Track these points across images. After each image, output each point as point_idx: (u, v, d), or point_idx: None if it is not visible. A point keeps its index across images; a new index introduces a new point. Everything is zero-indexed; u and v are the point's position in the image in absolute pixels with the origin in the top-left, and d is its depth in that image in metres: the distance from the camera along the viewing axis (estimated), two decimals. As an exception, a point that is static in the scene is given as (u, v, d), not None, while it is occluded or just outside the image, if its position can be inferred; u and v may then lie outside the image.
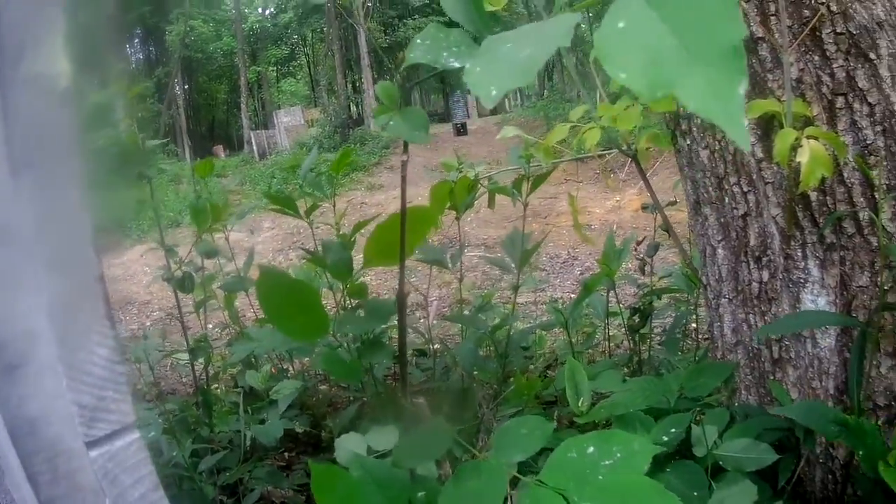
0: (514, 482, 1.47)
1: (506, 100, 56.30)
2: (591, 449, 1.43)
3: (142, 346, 3.71)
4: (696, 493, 1.91)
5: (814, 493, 2.22)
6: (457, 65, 1.07)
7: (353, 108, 45.51)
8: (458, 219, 3.09)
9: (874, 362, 2.09)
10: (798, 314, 2.22)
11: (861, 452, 1.81)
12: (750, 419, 2.20)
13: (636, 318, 3.43)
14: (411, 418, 1.74)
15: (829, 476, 2.20)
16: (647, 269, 3.57)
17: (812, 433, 2.09)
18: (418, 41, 1.12)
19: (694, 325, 3.86)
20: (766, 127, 2.13)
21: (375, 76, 41.58)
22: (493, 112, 47.29)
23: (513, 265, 3.21)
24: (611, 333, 3.91)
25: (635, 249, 3.56)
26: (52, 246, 0.68)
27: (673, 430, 2.07)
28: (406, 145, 1.45)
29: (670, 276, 3.61)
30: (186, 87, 56.09)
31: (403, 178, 1.46)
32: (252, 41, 54.51)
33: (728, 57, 0.67)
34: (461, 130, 33.73)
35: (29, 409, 0.73)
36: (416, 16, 47.81)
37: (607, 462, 1.40)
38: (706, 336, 3.31)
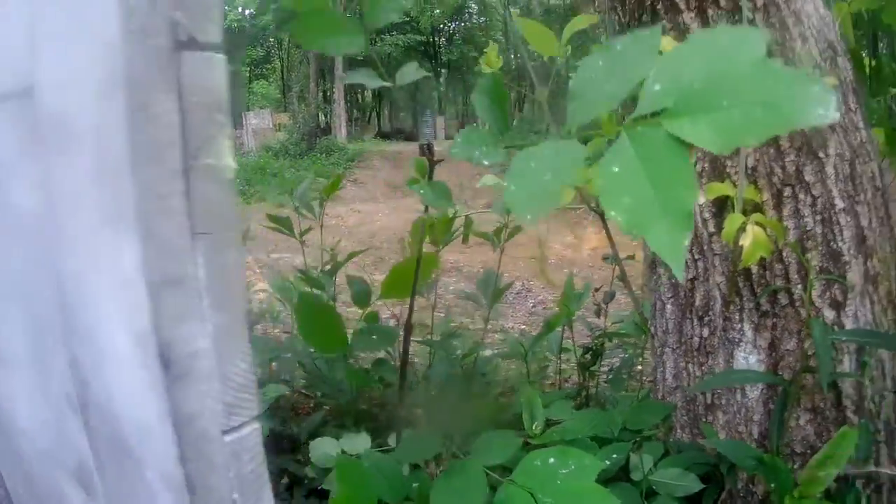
0: (491, 481, 1.84)
1: (475, 123, 56.00)
2: (552, 460, 1.79)
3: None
4: None
5: (734, 522, 2.54)
6: (485, 162, 1.40)
7: (322, 118, 45.26)
8: (437, 252, 3.37)
9: (794, 415, 2.47)
10: (731, 371, 2.57)
11: (773, 486, 2.15)
12: (682, 453, 2.54)
13: (588, 357, 3.75)
14: (408, 423, 2.11)
15: (748, 510, 2.54)
16: (603, 313, 3.90)
17: (734, 469, 2.45)
18: (458, 139, 1.46)
19: (639, 367, 4.13)
20: (721, 206, 2.49)
21: (346, 87, 41.47)
22: (461, 135, 46.85)
23: (484, 301, 3.54)
24: (562, 367, 4.20)
25: (593, 295, 3.89)
26: (215, 290, 0.94)
27: (615, 455, 2.40)
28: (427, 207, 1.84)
29: (622, 321, 3.93)
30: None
31: (420, 242, 1.83)
32: (230, 39, 54.07)
33: (683, 216, 0.97)
34: (427, 150, 33.66)
35: (189, 408, 0.95)
36: (395, 32, 47.84)
37: (564, 471, 1.76)
38: (650, 378, 3.59)
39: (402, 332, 2.29)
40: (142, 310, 0.90)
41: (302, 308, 2.06)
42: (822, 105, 0.92)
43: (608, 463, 2.36)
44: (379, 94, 59.50)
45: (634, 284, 3.23)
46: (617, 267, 3.26)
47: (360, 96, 59.73)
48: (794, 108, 0.95)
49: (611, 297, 3.78)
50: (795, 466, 2.42)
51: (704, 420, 2.67)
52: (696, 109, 1.02)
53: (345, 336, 2.09)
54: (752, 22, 2.44)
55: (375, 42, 48.81)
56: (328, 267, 3.83)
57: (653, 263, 2.88)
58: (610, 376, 3.98)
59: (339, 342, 2.16)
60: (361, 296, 3.17)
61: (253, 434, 1.05)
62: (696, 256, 2.63)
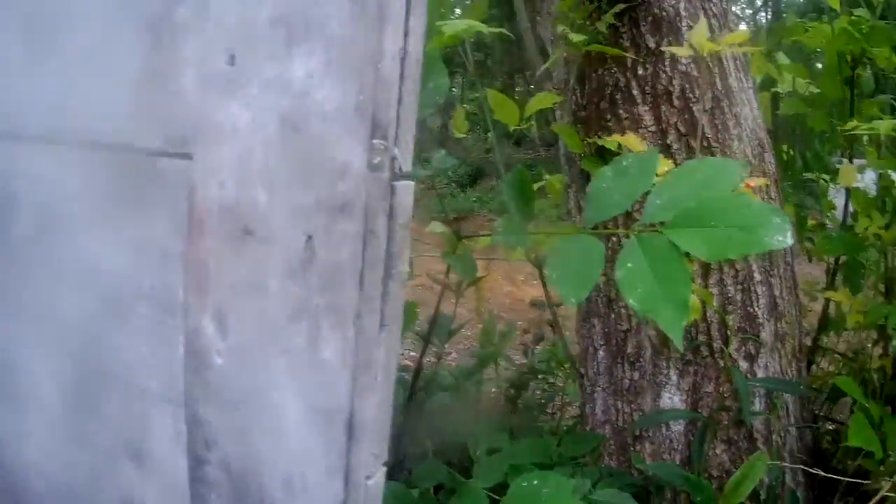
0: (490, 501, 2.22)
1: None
2: (535, 482, 2.14)
3: None
4: None
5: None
6: (518, 245, 1.81)
7: None
8: None
9: (712, 446, 2.87)
10: (661, 411, 2.95)
11: (699, 499, 2.50)
12: (614, 476, 2.82)
13: (512, 391, 4.07)
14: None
15: (680, 527, 2.89)
16: (530, 352, 4.23)
17: (662, 490, 2.80)
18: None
19: (557, 402, 4.41)
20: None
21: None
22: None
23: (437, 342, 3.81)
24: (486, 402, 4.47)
25: (521, 337, 4.22)
26: (387, 369, 1.14)
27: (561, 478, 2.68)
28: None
29: (548, 361, 4.24)
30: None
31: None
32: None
33: (682, 304, 1.32)
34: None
35: (356, 463, 1.14)
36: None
37: (546, 490, 2.10)
38: (575, 414, 3.84)
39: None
40: (341, 388, 1.12)
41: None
42: (782, 233, 1.33)
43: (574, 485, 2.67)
44: None
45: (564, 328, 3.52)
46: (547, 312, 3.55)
47: None
48: (762, 233, 1.35)
49: (539, 337, 4.10)
50: (714, 487, 2.74)
51: (633, 449, 3.01)
52: (691, 224, 1.41)
53: None
54: (695, 124, 2.83)
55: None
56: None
57: (586, 314, 3.21)
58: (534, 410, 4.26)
59: None
60: None
61: (382, 476, 1.23)
62: (630, 312, 3.00)
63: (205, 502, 1.35)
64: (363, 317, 1.10)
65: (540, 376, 4.30)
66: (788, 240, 1.30)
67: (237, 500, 1.31)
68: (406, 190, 1.12)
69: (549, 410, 4.31)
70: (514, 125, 2.74)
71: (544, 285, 3.01)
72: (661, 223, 1.45)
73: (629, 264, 1.43)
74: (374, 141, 1.05)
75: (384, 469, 1.23)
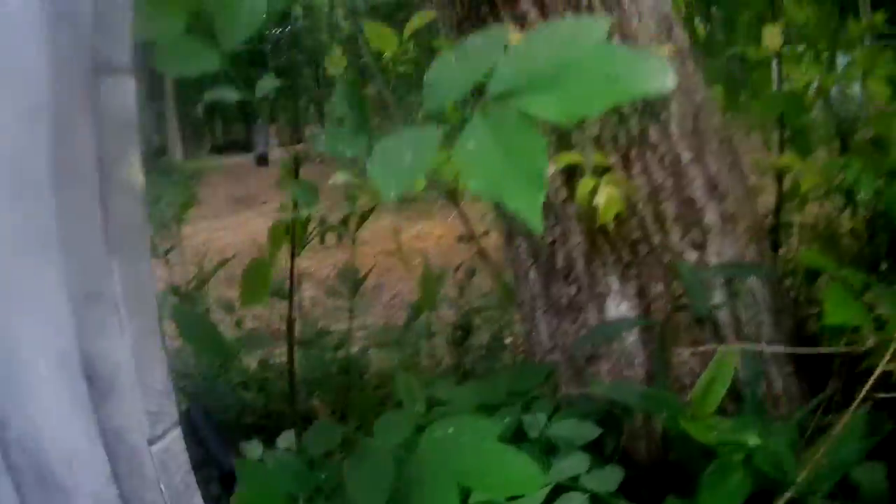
0: (396, 459, 1.89)
1: (306, 128, 55.52)
2: (451, 429, 1.83)
3: None
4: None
5: (640, 461, 2.62)
6: (348, 154, 1.49)
7: (156, 138, 44.42)
8: (294, 257, 3.36)
9: (675, 352, 2.57)
10: (606, 324, 2.67)
11: (665, 415, 2.24)
12: (573, 405, 2.57)
13: (458, 333, 3.80)
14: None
15: (652, 446, 2.63)
16: (465, 290, 3.95)
17: (629, 410, 2.50)
18: (323, 138, 1.60)
19: (510, 339, 4.20)
20: (570, 174, 2.57)
21: (178, 106, 40.95)
22: (297, 141, 46.46)
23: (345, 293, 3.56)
24: (435, 352, 4.23)
25: (454, 276, 3.94)
26: (131, 303, 0.94)
27: (507, 419, 2.42)
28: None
29: (485, 296, 3.98)
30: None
31: (278, 247, 1.87)
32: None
33: (537, 178, 1.04)
34: (262, 160, 33.24)
35: (117, 422, 0.96)
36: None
37: (465, 438, 1.80)
38: (522, 348, 3.65)
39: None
40: (65, 328, 0.92)
41: (180, 318, 2.11)
42: (661, 76, 1.03)
43: (501, 427, 2.41)
44: (211, 109, 58.25)
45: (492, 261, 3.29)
46: (473, 248, 3.30)
47: (190, 112, 58.49)
48: (633, 80, 1.06)
49: (472, 273, 3.84)
50: (688, 398, 2.38)
51: (588, 372, 2.74)
52: (544, 89, 1.10)
53: (223, 342, 2.14)
54: (589, 6, 2.54)
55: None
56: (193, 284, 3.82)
57: (509, 236, 2.95)
58: (483, 353, 4.02)
59: (221, 348, 2.21)
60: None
61: (176, 441, 1.06)
62: (553, 222, 2.71)
63: (21, 492, 1.10)
64: (76, 238, 0.91)
65: (483, 313, 4.01)
66: (669, 82, 0.99)
67: (39, 484, 1.07)
68: (118, 85, 0.94)
69: (506, 347, 4.05)
70: (392, 50, 2.78)
71: (465, 219, 2.95)
72: (510, 94, 1.13)
73: (471, 144, 1.13)
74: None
75: (177, 431, 1.07)
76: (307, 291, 11.17)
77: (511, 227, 2.92)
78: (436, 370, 4.27)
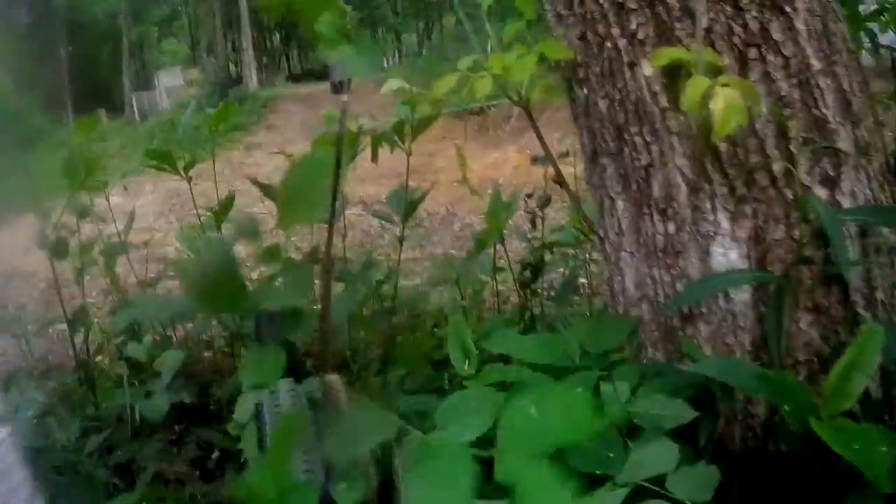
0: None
1: (384, 58, 56.31)
2: (532, 410, 1.28)
3: (20, 320, 3.55)
4: (611, 455, 1.77)
5: (735, 451, 2.11)
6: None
7: (233, 68, 45.25)
8: (339, 167, 2.94)
9: (793, 318, 2.02)
10: (711, 277, 2.12)
11: (787, 408, 1.73)
12: (663, 376, 2.08)
13: (527, 273, 3.33)
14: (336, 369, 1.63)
15: (750, 433, 2.11)
16: (539, 222, 3.44)
17: (731, 390, 1.98)
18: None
19: (584, 280, 3.74)
20: (673, 75, 2.03)
21: (255, 35, 41.42)
22: (375, 69, 47.05)
23: (397, 218, 3.06)
24: (499, 289, 3.77)
25: (525, 203, 3.43)
26: None
27: (580, 389, 1.95)
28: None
29: (561, 230, 3.49)
30: (70, 49, 55.04)
31: (342, 123, 1.28)
32: (136, 0, 53.57)
33: None
34: (339, 88, 33.43)
35: None
36: (295, -23, 47.70)
37: (554, 423, 1.25)
38: (597, 292, 3.22)
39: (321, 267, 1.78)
40: None
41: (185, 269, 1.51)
42: None
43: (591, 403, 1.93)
44: (287, 38, 59.55)
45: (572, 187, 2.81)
46: (549, 170, 2.85)
47: (268, 42, 59.83)
48: None
49: (546, 201, 3.31)
50: (801, 378, 2.01)
51: (682, 333, 2.22)
52: None
53: (243, 289, 1.52)
54: None
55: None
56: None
57: (594, 154, 2.40)
58: (553, 293, 3.57)
59: (236, 298, 1.54)
60: (248, 228, 2.72)
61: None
62: (648, 139, 2.17)
63: None
64: None
65: (556, 250, 3.51)
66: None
67: None
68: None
69: (581, 292, 3.58)
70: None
71: (539, 136, 2.53)
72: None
73: None
74: None
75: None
76: (365, 222, 10.94)
77: (595, 145, 2.38)
78: (500, 312, 3.85)
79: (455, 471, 1.27)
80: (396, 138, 2.89)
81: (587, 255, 3.38)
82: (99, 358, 3.97)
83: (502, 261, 3.52)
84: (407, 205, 2.88)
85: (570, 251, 3.61)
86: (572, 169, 2.92)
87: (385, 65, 52.19)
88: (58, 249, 3.05)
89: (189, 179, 3.26)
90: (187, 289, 1.50)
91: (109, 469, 2.84)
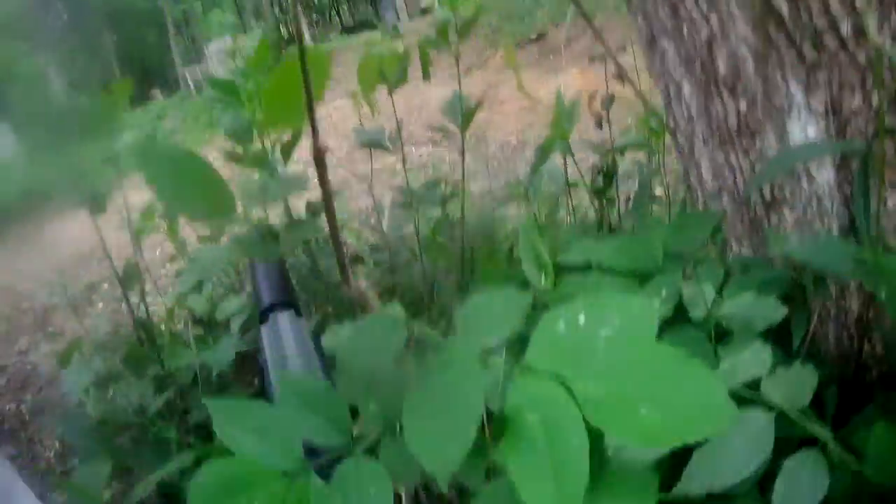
0: (492, 370, 1.19)
1: (436, 1, 56.26)
2: (581, 318, 1.13)
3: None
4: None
5: (828, 351, 1.98)
6: None
7: (283, 29, 45.43)
8: (390, 93, 2.79)
9: (881, 197, 1.82)
10: (789, 151, 1.95)
11: (885, 292, 1.56)
12: (749, 272, 1.96)
13: (600, 180, 3.18)
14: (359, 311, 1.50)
15: (844, 332, 1.96)
16: (605, 124, 3.27)
17: (823, 282, 1.85)
18: None
19: (660, 189, 3.58)
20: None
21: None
22: (424, 12, 47.14)
23: (455, 128, 2.90)
24: (573, 204, 3.62)
25: (589, 105, 3.27)
26: None
27: (664, 291, 1.84)
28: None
29: (630, 131, 3.34)
30: (115, 38, 55.60)
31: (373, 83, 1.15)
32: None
33: None
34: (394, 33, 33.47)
35: None
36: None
37: (605, 332, 1.10)
38: (678, 196, 3.08)
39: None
40: None
41: (148, 159, 1.27)
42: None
43: (658, 304, 1.79)
44: None
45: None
46: (610, 70, 2.71)
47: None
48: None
49: (610, 101, 3.14)
50: None
51: (767, 224, 2.06)
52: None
53: (226, 190, 1.30)
54: None
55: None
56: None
57: (651, 39, 2.22)
58: (630, 204, 3.42)
59: (222, 201, 1.31)
60: (239, 132, 2.64)
61: None
62: (706, 10, 1.97)
63: None
64: None
65: (629, 158, 3.36)
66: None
67: None
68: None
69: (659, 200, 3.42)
70: None
71: (595, 31, 2.38)
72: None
73: None
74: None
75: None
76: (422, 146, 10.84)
77: (651, 28, 2.19)
78: (577, 227, 3.71)
79: (463, 387, 1.13)
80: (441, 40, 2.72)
81: (661, 161, 3.21)
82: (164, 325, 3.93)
83: (572, 173, 3.38)
84: (464, 112, 2.71)
85: (643, 157, 3.46)
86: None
87: (438, 5, 52.27)
88: (96, 205, 2.93)
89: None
90: (161, 194, 1.31)
91: (186, 429, 2.76)
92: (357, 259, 3.18)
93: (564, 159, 3.18)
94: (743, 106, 1.99)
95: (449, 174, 7.89)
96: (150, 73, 59.61)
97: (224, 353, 2.83)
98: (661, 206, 3.51)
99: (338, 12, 61.29)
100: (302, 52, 1.12)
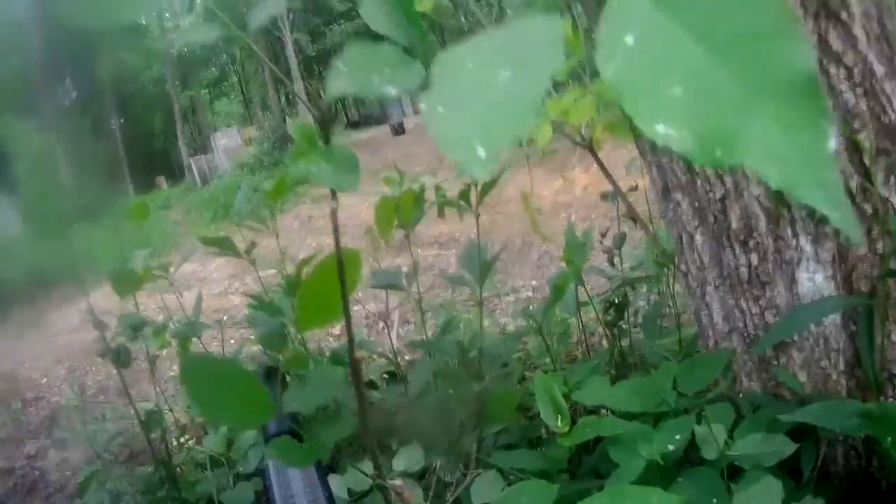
0: None
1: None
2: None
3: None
4: (714, 501, 1.74)
5: (837, 472, 2.07)
6: (393, 91, 0.86)
7: (289, 121, 45.56)
8: (407, 237, 2.87)
9: (885, 331, 1.96)
10: (798, 308, 2.06)
11: (889, 439, 1.66)
12: (759, 411, 2.05)
13: (612, 312, 3.26)
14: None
15: (852, 452, 2.06)
16: (616, 260, 3.36)
17: None
18: (340, 66, 0.88)
19: (668, 307, 3.65)
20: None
21: (308, 86, 41.51)
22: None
23: (472, 280, 2.95)
24: (584, 324, 3.68)
25: (600, 242, 3.36)
26: None
27: (677, 436, 1.91)
28: (334, 192, 1.19)
29: (640, 265, 3.41)
30: (121, 121, 55.77)
31: (335, 229, 1.24)
32: (182, 65, 54.20)
33: (803, 89, 0.50)
34: (398, 130, 33.50)
35: None
36: (343, 21, 47.85)
37: None
38: (683, 313, 3.15)
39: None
40: None
41: (192, 373, 1.30)
42: None
43: (671, 448, 1.89)
44: None
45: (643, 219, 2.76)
46: (620, 205, 2.80)
47: (321, 92, 60.12)
48: None
49: (621, 240, 3.22)
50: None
51: (776, 363, 2.16)
52: None
53: (265, 398, 1.33)
54: None
55: (325, 34, 48.89)
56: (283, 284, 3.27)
57: (665, 190, 2.33)
58: (640, 322, 3.49)
59: (259, 408, 1.34)
60: (272, 338, 2.71)
61: None
62: (720, 170, 2.10)
63: None
64: None
65: (637, 286, 3.45)
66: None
67: None
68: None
69: (664, 324, 3.49)
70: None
71: (607, 174, 2.47)
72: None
73: (629, 40, 0.57)
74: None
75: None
76: (442, 263, 10.92)
77: (665, 180, 2.31)
78: (589, 346, 3.79)
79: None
80: (463, 204, 2.79)
81: (668, 282, 3.30)
82: (184, 437, 3.94)
83: (584, 295, 3.46)
84: (482, 265, 2.78)
85: (650, 278, 3.54)
86: (645, 205, 2.88)
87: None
88: (120, 358, 2.97)
89: (253, 262, 3.22)
90: (201, 407, 1.35)
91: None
92: (371, 384, 3.24)
93: (576, 287, 3.25)
94: (755, 259, 2.11)
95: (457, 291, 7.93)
96: (155, 160, 59.72)
97: (243, 496, 2.82)
98: (667, 319, 3.59)
99: (344, 107, 61.56)
100: (339, 255, 1.21)
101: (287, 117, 45.42)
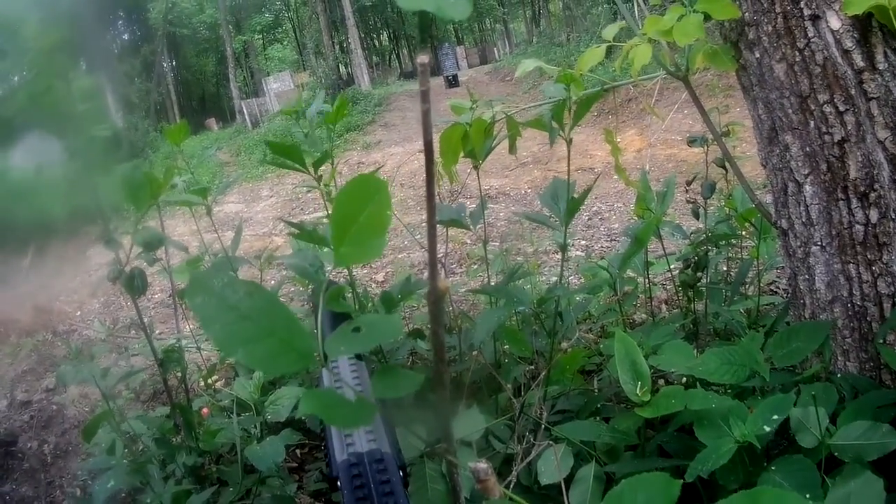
0: None
1: (494, 49, 56.57)
2: None
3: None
4: (808, 495, 1.51)
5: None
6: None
7: (342, 69, 45.56)
8: (476, 167, 2.59)
9: None
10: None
11: None
12: (863, 396, 1.79)
13: (689, 272, 2.97)
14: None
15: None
16: (703, 210, 3.03)
17: None
18: None
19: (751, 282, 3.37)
20: (866, 28, 1.70)
21: (362, 35, 41.51)
22: (483, 62, 47.05)
23: (557, 220, 2.66)
24: (650, 285, 3.38)
25: (686, 190, 3.06)
26: None
27: (774, 416, 1.67)
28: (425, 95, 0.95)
29: (727, 220, 3.09)
30: (173, 63, 56.17)
31: (427, 130, 0.98)
32: (235, 11, 54.33)
33: None
34: (452, 82, 33.41)
35: None
36: (400, -29, 48.38)
37: None
38: (770, 284, 2.88)
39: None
40: None
41: (199, 298, 0.97)
42: None
43: (767, 429, 1.63)
44: (395, 36, 60.09)
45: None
46: (711, 151, 2.69)
47: (376, 42, 60.47)
48: None
49: (711, 189, 2.92)
50: None
51: (882, 341, 1.90)
52: None
53: (303, 335, 1.02)
54: None
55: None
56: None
57: (772, 131, 2.07)
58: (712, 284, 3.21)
59: (295, 349, 1.01)
60: (311, 274, 2.47)
61: None
62: (842, 108, 1.83)
63: None
64: None
65: (722, 244, 3.15)
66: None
67: None
68: None
69: (741, 290, 3.21)
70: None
71: (704, 113, 2.24)
72: None
73: None
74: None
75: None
76: (504, 211, 10.70)
77: (773, 120, 2.04)
78: (654, 311, 3.58)
79: None
80: (555, 125, 2.46)
81: (758, 247, 3.01)
82: (213, 378, 3.71)
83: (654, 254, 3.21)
84: (569, 202, 2.47)
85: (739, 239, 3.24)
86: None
87: (496, 56, 52.23)
88: (133, 284, 2.63)
89: (319, 178, 2.96)
90: (217, 341, 1.02)
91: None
92: (417, 334, 2.99)
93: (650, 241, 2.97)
94: (873, 216, 1.84)
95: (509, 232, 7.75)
96: (206, 103, 59.98)
97: (273, 452, 2.51)
98: (746, 288, 3.33)
99: (398, 56, 61.69)
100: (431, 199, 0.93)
101: (341, 65, 45.43)
